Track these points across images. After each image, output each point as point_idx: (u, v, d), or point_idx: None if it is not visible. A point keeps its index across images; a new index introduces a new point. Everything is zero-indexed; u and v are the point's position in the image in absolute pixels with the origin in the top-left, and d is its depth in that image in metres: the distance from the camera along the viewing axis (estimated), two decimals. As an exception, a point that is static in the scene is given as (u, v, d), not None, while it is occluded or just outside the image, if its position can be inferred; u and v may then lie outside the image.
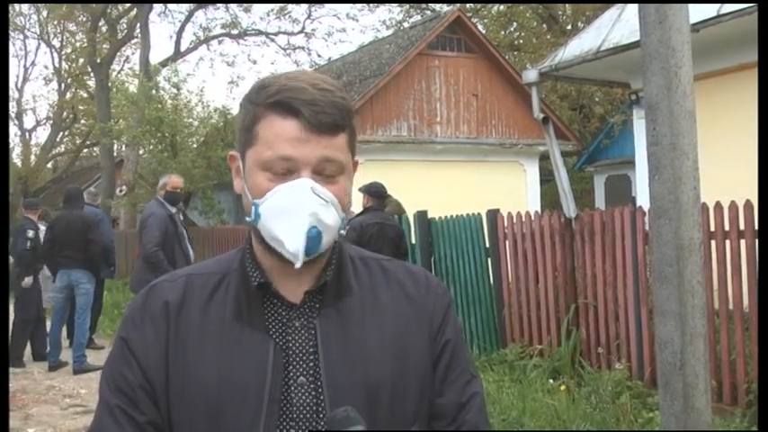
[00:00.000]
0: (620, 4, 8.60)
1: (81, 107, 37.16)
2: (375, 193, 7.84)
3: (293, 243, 1.29)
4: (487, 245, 8.67)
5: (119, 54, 31.05)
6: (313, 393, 1.33)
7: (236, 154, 1.42)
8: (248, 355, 1.33)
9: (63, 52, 35.74)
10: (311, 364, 1.34)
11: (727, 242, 5.91)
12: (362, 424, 1.23)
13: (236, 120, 1.42)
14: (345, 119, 1.34)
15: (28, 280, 9.72)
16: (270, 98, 1.32)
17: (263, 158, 1.32)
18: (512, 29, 27.75)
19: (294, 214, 1.29)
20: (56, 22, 33.42)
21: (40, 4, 31.11)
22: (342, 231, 1.37)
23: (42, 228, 10.22)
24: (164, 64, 22.85)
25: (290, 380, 1.33)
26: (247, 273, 1.40)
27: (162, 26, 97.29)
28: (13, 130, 40.53)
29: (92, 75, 29.25)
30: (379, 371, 1.36)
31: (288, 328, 1.36)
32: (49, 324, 9.91)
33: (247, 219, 1.37)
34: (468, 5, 25.12)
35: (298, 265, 1.31)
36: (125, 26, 28.26)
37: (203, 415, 1.32)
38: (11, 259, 10.17)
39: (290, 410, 1.32)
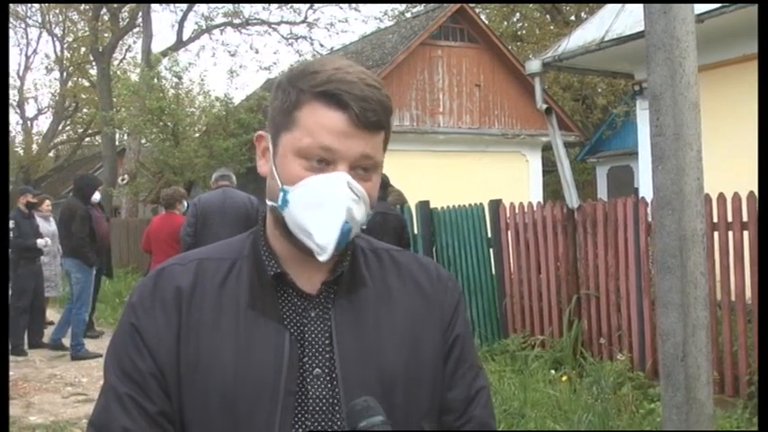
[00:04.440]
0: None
1: (83, 96, 37.14)
2: (377, 182, 7.82)
3: (325, 236, 1.27)
4: (489, 235, 8.67)
5: (121, 43, 31.01)
6: (328, 386, 1.31)
7: (264, 134, 1.38)
8: (264, 347, 1.30)
9: (65, 41, 35.73)
10: (327, 355, 1.32)
11: (730, 233, 5.91)
12: (382, 414, 1.22)
13: (271, 98, 1.36)
14: (387, 118, 1.32)
15: (40, 242, 9.82)
16: (318, 86, 1.28)
17: (300, 145, 1.28)
18: (515, 19, 27.68)
19: (329, 207, 1.26)
20: (57, 11, 33.38)
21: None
22: (364, 226, 1.34)
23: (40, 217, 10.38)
24: (164, 53, 22.81)
25: (305, 372, 1.31)
26: (261, 260, 1.37)
27: (164, 15, 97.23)
28: (14, 118, 40.62)
29: (93, 63, 29.23)
30: (393, 364, 1.34)
31: (303, 318, 1.34)
32: (48, 312, 10.02)
33: (270, 203, 1.34)
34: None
35: (323, 258, 1.28)
36: (127, 15, 28.20)
37: (218, 406, 1.29)
38: None
39: (306, 403, 1.30)
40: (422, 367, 1.38)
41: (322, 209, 1.27)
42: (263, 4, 30.13)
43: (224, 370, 1.29)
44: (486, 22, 21.89)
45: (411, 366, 1.36)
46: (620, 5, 8.41)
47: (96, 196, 10.20)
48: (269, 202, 1.35)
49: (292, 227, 1.30)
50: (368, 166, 1.30)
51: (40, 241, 9.74)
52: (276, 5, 28.31)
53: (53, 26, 35.37)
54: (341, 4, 27.27)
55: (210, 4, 27.61)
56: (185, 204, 9.30)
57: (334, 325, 1.33)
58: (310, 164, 1.28)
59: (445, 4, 18.65)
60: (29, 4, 33.28)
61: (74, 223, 9.40)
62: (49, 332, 10.69)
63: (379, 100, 1.29)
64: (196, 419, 1.30)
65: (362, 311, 1.37)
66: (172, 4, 28.37)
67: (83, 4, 29.20)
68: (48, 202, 11.11)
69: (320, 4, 27.96)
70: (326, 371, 1.32)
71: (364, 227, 1.34)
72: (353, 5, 31.98)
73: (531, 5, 26.09)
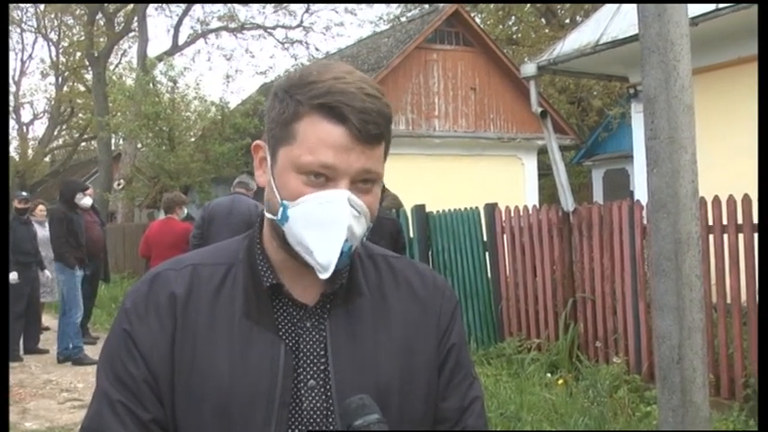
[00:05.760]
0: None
1: (78, 101, 37.12)
2: (373, 186, 7.82)
3: (326, 255, 1.24)
4: (485, 239, 8.67)
5: (116, 47, 31.02)
6: (323, 397, 1.30)
7: (262, 144, 1.35)
8: (259, 357, 1.29)
9: (60, 46, 35.70)
10: (321, 367, 1.31)
11: (725, 236, 5.91)
12: (378, 412, 1.22)
13: (268, 107, 1.33)
14: (388, 128, 1.29)
15: (11, 276, 9.67)
16: (317, 99, 1.24)
17: (301, 162, 1.25)
18: (510, 23, 27.71)
19: (330, 227, 1.24)
20: (53, 16, 33.36)
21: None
22: (364, 239, 1.33)
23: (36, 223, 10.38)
24: (160, 58, 22.81)
25: (300, 383, 1.30)
26: (257, 268, 1.35)
27: (159, 19, 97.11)
28: (10, 123, 40.51)
29: (89, 68, 29.21)
30: (388, 374, 1.33)
31: (299, 328, 1.32)
32: (44, 318, 9.98)
33: (269, 216, 1.32)
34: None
35: (324, 276, 1.26)
36: (122, 19, 28.20)
37: (212, 416, 1.27)
38: None
39: (300, 415, 1.29)
40: (416, 376, 1.37)
41: (323, 228, 1.25)
42: (259, 7, 30.07)
43: (219, 380, 1.28)
44: (482, 25, 21.91)
45: (406, 376, 1.35)
46: (614, 8, 8.42)
47: (88, 201, 10.20)
48: (268, 215, 1.33)
49: (293, 242, 1.28)
50: (369, 179, 1.28)
51: (11, 276, 9.67)
52: (272, 9, 28.35)
53: (48, 31, 35.42)
54: (336, 8, 27.28)
55: (206, 9, 27.63)
56: (185, 210, 9.30)
57: (329, 336, 1.32)
58: (310, 179, 1.25)
59: (440, 8, 18.68)
60: (24, 10, 33.31)
61: (52, 225, 9.59)
62: (44, 338, 10.67)
63: (379, 111, 1.25)
64: (189, 428, 1.29)
65: (358, 321, 1.35)
66: (167, 9, 28.36)
67: (78, 9, 29.18)
68: (41, 207, 11.07)
69: (316, 6, 27.96)
70: (321, 382, 1.30)
71: (365, 239, 1.33)
72: (349, 9, 31.99)
73: (526, 9, 26.12)
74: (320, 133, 1.24)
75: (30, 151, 40.05)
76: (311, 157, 1.24)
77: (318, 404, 1.30)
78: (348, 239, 1.25)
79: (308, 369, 1.31)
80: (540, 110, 8.42)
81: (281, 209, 1.28)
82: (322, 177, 1.25)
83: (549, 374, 6.97)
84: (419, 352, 1.39)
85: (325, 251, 1.25)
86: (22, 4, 32.12)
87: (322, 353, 1.32)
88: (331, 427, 1.29)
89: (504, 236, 8.40)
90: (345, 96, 1.23)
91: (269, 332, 1.30)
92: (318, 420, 1.29)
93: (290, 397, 1.29)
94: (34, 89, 65.50)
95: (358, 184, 1.27)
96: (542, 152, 18.54)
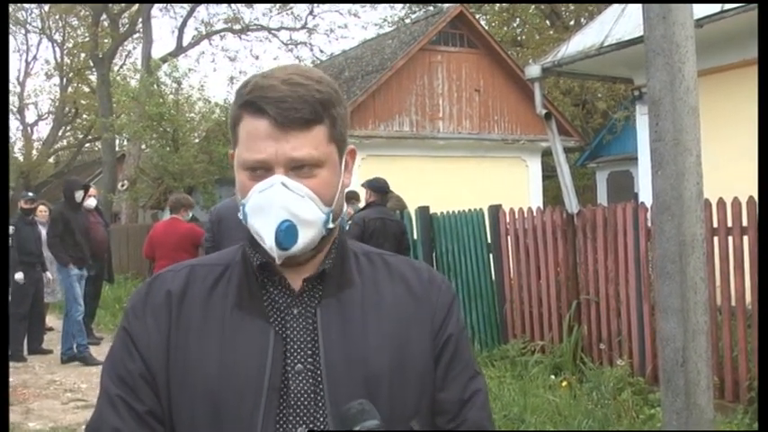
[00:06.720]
0: (623, -1, 8.57)
1: (83, 102, 37.19)
2: (377, 188, 7.83)
3: (268, 238, 1.30)
4: (489, 240, 8.67)
5: (120, 49, 31.07)
6: (311, 381, 1.32)
7: (233, 152, 1.44)
8: (249, 344, 1.33)
9: (65, 47, 35.75)
10: (309, 352, 1.34)
11: (730, 238, 5.90)
12: (377, 418, 1.22)
13: None
14: (319, 112, 1.32)
15: (17, 276, 9.70)
16: (242, 98, 1.33)
17: (241, 160, 1.34)
18: (514, 25, 27.70)
19: (267, 211, 1.30)
20: (57, 17, 33.41)
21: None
22: (330, 225, 1.36)
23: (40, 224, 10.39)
24: (164, 59, 22.84)
25: (288, 367, 1.33)
26: (250, 262, 1.40)
27: (164, 20, 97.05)
28: (14, 124, 40.66)
29: (93, 69, 29.27)
30: (378, 363, 1.35)
31: (286, 315, 1.36)
32: (48, 318, 10.00)
33: (240, 217, 1.38)
34: None
35: (278, 261, 1.32)
36: (127, 20, 28.24)
37: (204, 403, 1.31)
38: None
39: (289, 398, 1.32)
40: (409, 367, 1.38)
41: (264, 213, 1.31)
42: (264, 9, 30.07)
43: (210, 367, 1.33)
44: (486, 27, 21.91)
45: (397, 366, 1.36)
46: (619, 10, 8.42)
47: (92, 202, 10.27)
48: (240, 217, 1.39)
49: (256, 237, 1.35)
50: (306, 163, 1.32)
51: (17, 276, 9.71)
52: (277, 11, 28.36)
53: (53, 32, 35.45)
54: (340, 9, 27.27)
55: (210, 10, 27.68)
56: (190, 213, 9.31)
57: (320, 322, 1.35)
58: (252, 174, 1.33)
59: (444, 10, 18.67)
60: (29, 11, 33.36)
61: (48, 225, 9.82)
62: (48, 338, 10.68)
63: (299, 96, 1.30)
64: (184, 417, 1.33)
65: (349, 310, 1.38)
66: (172, 10, 28.38)
67: (82, 10, 29.23)
68: (42, 207, 11.05)
69: (320, 8, 27.98)
70: (309, 367, 1.33)
71: (331, 225, 1.36)
72: (353, 12, 31.96)
73: (530, 11, 26.11)
74: (249, 129, 1.32)
75: (34, 152, 40.09)
76: (247, 153, 1.33)
77: (306, 387, 1.32)
78: (287, 220, 1.30)
79: (296, 354, 1.34)
80: (544, 112, 8.42)
81: (242, 207, 1.36)
82: (261, 170, 1.32)
83: (552, 376, 6.97)
84: (412, 343, 1.40)
85: (266, 235, 1.31)
86: (26, 5, 32.23)
87: (310, 338, 1.35)
88: (320, 411, 1.31)
89: (509, 237, 8.40)
90: (263, 90, 1.31)
91: (259, 319, 1.35)
92: (307, 404, 1.32)
93: (280, 381, 1.32)
94: (39, 90, 65.87)
95: (301, 169, 1.32)
96: (546, 154, 18.54)
